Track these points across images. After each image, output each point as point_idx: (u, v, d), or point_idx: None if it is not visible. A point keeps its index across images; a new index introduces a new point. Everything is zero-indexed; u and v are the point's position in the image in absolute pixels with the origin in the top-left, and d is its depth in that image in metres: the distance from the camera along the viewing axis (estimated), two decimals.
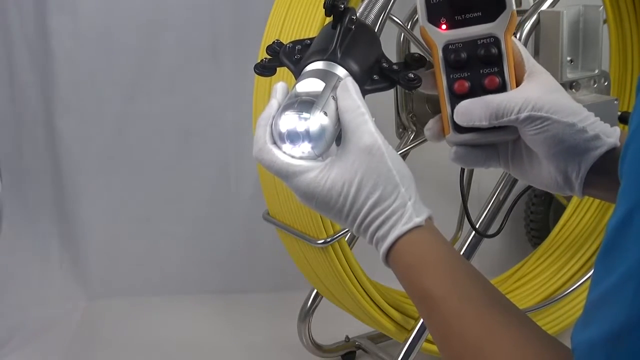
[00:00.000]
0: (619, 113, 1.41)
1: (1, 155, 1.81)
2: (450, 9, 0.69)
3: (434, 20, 0.69)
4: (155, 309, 1.98)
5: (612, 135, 0.67)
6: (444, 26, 0.69)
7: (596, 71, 1.42)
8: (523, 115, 0.66)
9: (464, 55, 0.69)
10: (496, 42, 0.69)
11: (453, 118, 0.70)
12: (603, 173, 0.67)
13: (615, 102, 1.41)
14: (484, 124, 0.67)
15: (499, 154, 0.73)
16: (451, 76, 0.70)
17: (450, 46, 0.69)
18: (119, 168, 2.00)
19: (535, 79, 0.69)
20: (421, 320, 1.42)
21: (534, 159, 0.71)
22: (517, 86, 0.69)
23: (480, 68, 0.69)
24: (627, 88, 1.65)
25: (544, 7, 1.40)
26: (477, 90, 0.69)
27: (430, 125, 0.72)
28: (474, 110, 0.68)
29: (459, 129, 0.70)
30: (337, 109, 0.65)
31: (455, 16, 0.69)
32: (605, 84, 1.47)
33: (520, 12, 1.42)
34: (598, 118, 0.68)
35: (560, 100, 0.67)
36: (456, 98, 0.69)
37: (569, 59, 1.39)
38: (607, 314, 0.46)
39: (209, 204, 2.03)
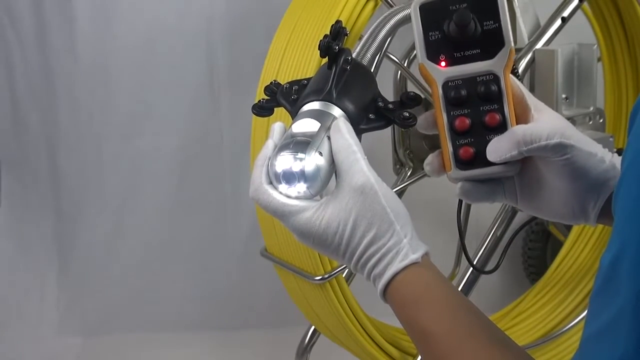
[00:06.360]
0: (615, 150, 1.42)
1: (3, 191, 1.81)
2: (449, 46, 0.69)
3: (433, 57, 0.69)
4: (152, 346, 1.96)
5: None
6: (443, 63, 0.69)
7: (591, 108, 1.43)
8: (554, 141, 0.65)
9: (463, 92, 0.69)
10: (495, 79, 0.69)
11: (455, 155, 0.69)
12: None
13: (611, 138, 1.42)
14: (514, 153, 0.66)
15: (504, 189, 0.72)
16: (451, 113, 0.69)
17: (449, 83, 0.69)
18: (117, 205, 2.00)
19: (548, 112, 0.69)
20: (419, 358, 1.41)
21: (545, 190, 0.70)
22: (517, 123, 0.69)
23: (481, 105, 0.69)
24: (622, 125, 1.66)
25: (539, 45, 1.42)
26: (478, 127, 0.69)
27: (430, 160, 0.72)
28: (502, 144, 0.67)
29: (460, 165, 0.69)
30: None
31: (455, 53, 0.69)
32: (601, 120, 1.48)
33: (515, 50, 1.43)
34: (607, 149, 0.69)
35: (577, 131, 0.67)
36: (457, 135, 0.69)
37: (564, 96, 1.40)
38: (602, 350, 0.46)
39: (206, 240, 2.02)
